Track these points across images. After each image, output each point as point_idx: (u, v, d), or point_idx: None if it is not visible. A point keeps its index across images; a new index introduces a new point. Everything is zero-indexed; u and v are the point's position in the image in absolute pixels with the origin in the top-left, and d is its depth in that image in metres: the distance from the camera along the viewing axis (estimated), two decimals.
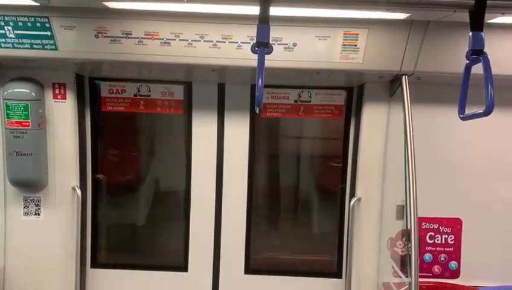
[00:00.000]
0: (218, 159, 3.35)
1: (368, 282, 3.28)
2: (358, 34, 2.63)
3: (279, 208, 3.76)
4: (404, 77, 2.79)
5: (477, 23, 1.77)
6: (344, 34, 2.63)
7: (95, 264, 3.46)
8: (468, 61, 1.85)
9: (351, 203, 3.21)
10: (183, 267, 3.44)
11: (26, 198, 3.23)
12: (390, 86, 3.06)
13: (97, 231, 3.47)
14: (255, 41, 1.82)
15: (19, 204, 3.22)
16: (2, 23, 2.65)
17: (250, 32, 2.57)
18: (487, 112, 1.73)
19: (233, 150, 3.35)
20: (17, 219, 3.23)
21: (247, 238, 3.42)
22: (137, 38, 2.66)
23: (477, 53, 1.79)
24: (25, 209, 3.24)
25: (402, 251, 3.21)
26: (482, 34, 1.77)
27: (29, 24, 2.66)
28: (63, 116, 3.15)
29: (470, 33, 1.79)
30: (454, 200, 3.23)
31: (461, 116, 1.94)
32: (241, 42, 2.65)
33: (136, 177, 3.68)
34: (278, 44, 2.63)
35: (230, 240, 3.41)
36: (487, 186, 3.22)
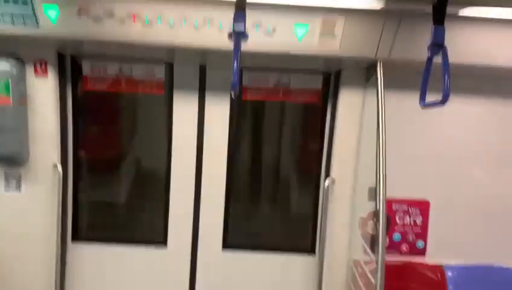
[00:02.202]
0: (199, 139, 3.42)
1: (339, 259, 3.42)
2: (336, 21, 2.70)
3: (258, 187, 3.86)
4: (378, 63, 2.88)
5: (438, 17, 1.85)
6: (322, 21, 2.70)
7: (76, 238, 3.53)
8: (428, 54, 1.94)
9: (326, 183, 3.33)
10: (162, 242, 3.54)
11: (7, 173, 3.25)
12: (366, 73, 3.15)
13: (78, 207, 3.53)
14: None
15: (0, 179, 3.26)
16: None
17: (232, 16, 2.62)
18: (443, 101, 1.85)
19: (213, 130, 3.42)
20: None
21: (226, 215, 3.53)
22: (120, 18, 2.68)
23: (438, 46, 1.88)
24: (5, 184, 3.27)
25: (372, 230, 3.36)
26: (443, 27, 1.86)
27: (10, 0, 2.65)
28: (44, 93, 3.16)
29: (432, 26, 1.87)
30: (424, 182, 3.36)
31: (421, 105, 2.04)
32: (223, 26, 2.69)
33: (116, 155, 3.72)
34: (258, 28, 2.69)
35: (208, 216, 3.51)
36: (455, 170, 3.35)
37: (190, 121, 3.38)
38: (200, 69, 3.32)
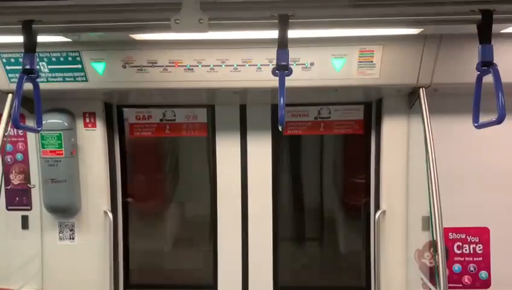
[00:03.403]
0: (243, 178, 3.43)
1: None
2: (374, 51, 2.70)
3: (306, 224, 3.79)
4: (421, 89, 2.83)
5: (485, 36, 1.82)
6: (360, 51, 2.71)
7: (128, 285, 3.55)
8: (479, 73, 1.90)
9: (376, 216, 3.23)
10: (212, 286, 3.49)
11: (61, 223, 3.36)
12: (408, 99, 3.10)
13: (128, 252, 3.58)
14: (274, 63, 1.91)
15: (55, 229, 3.36)
16: (37, 60, 2.82)
17: (269, 55, 2.68)
18: (499, 121, 1.79)
19: (257, 168, 3.42)
20: (53, 243, 3.36)
21: (275, 255, 3.46)
22: (162, 66, 2.79)
23: (487, 64, 1.84)
24: (60, 235, 3.37)
25: (430, 262, 3.20)
26: (491, 45, 1.82)
27: (61, 59, 2.83)
28: (93, 143, 3.29)
29: (479, 45, 1.84)
30: (480, 209, 3.21)
31: (475, 124, 1.98)
32: (261, 65, 2.76)
33: (164, 199, 3.79)
34: (296, 64, 2.73)
35: (257, 257, 3.46)
36: None
37: (234, 160, 3.41)
38: (241, 109, 3.38)
